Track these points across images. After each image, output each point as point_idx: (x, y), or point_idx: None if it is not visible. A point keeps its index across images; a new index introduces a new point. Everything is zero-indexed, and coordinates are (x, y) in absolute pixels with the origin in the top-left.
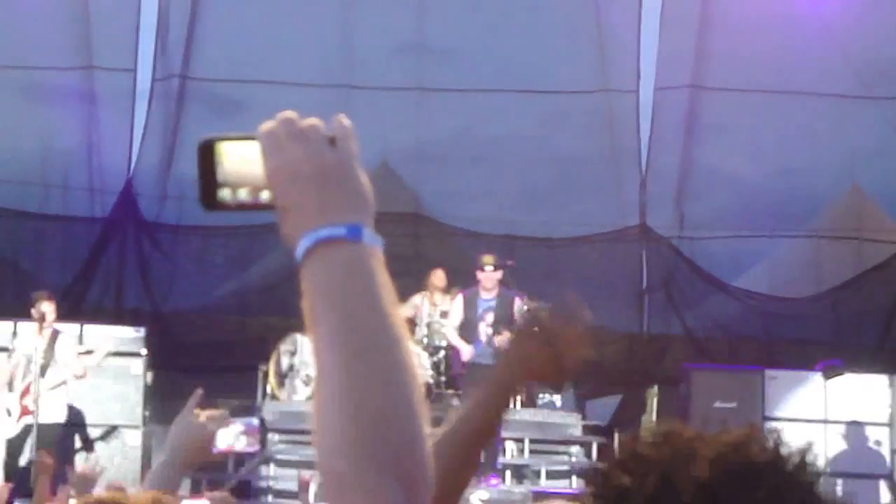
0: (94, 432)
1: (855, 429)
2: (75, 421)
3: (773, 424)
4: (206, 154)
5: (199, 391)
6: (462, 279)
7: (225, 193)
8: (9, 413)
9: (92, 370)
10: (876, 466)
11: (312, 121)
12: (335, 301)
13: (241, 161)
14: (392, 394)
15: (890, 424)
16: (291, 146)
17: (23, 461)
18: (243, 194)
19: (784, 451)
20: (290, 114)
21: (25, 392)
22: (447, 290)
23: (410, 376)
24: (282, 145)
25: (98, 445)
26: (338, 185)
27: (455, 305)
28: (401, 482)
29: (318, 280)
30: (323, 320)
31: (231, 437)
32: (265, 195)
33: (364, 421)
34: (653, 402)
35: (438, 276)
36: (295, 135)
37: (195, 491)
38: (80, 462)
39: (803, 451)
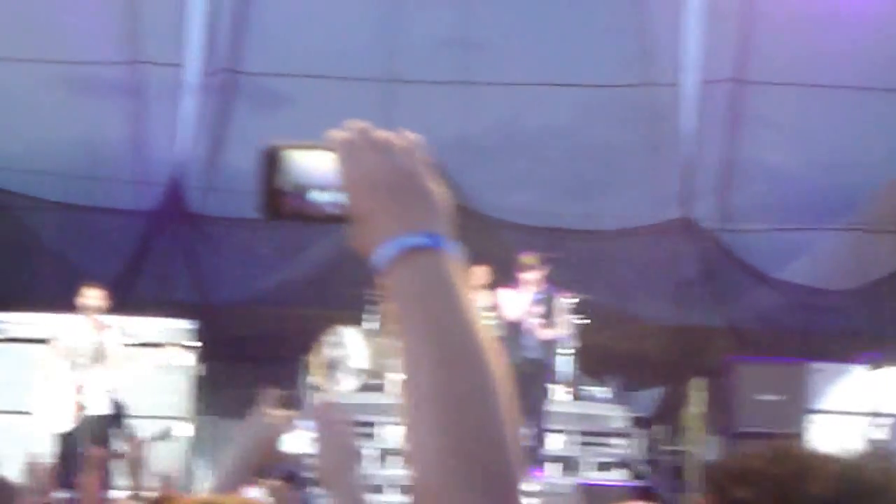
0: (143, 424)
1: None
2: (124, 413)
3: (816, 417)
4: (271, 161)
5: (270, 391)
6: (506, 271)
7: (287, 202)
8: (59, 407)
9: (142, 364)
10: None
11: (386, 132)
12: (420, 309)
13: (306, 170)
14: (482, 405)
15: None
16: (370, 155)
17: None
18: (307, 204)
19: None
20: (364, 124)
21: (76, 386)
22: (490, 286)
23: (499, 385)
24: (360, 154)
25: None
26: (415, 193)
27: (503, 300)
28: (489, 493)
29: (400, 288)
30: (408, 328)
31: (302, 443)
32: (330, 205)
33: (454, 432)
34: (696, 395)
35: (480, 273)
36: (372, 144)
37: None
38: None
39: None
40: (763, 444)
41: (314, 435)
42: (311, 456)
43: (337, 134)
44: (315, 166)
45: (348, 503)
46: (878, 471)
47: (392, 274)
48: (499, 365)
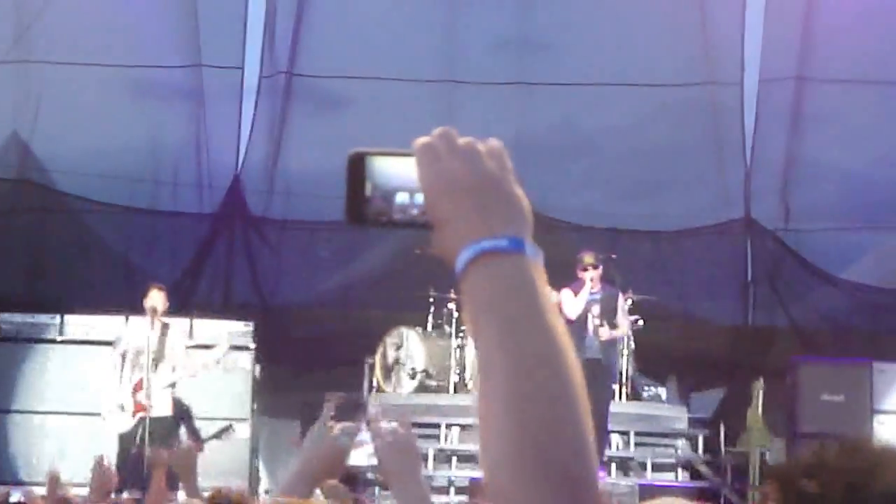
0: (202, 426)
1: None
2: (184, 414)
3: (881, 418)
4: (357, 167)
5: (332, 402)
6: (565, 272)
7: (372, 208)
8: (122, 408)
9: (208, 365)
10: None
11: (469, 138)
12: (499, 312)
13: (391, 176)
14: (558, 407)
15: None
16: (451, 159)
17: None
18: (393, 210)
19: None
20: (448, 129)
21: (138, 387)
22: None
23: (577, 389)
24: (441, 158)
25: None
26: (497, 198)
27: (565, 300)
28: (567, 498)
29: (481, 291)
30: (487, 331)
31: (365, 457)
32: (415, 211)
33: (530, 435)
34: (758, 395)
35: None
36: (454, 148)
37: None
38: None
39: None
40: (832, 440)
41: (374, 440)
42: (371, 460)
43: (420, 139)
44: (400, 172)
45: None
46: None
47: (471, 277)
48: (577, 369)
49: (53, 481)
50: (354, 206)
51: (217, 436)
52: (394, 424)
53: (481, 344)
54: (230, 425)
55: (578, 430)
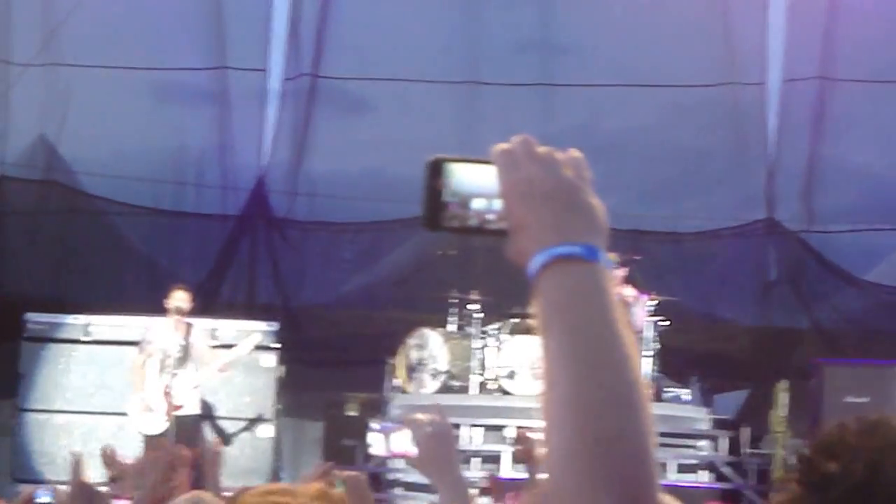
0: (226, 425)
1: None
2: (208, 413)
3: None
4: (435, 173)
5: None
6: None
7: (449, 214)
8: (150, 409)
9: (227, 365)
10: None
11: (548, 147)
12: (569, 316)
13: (470, 182)
14: (621, 414)
15: None
16: (529, 165)
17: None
18: (469, 216)
19: None
20: (527, 136)
21: (166, 387)
22: None
23: (641, 397)
24: (519, 163)
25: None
26: (573, 206)
27: None
28: (625, 501)
29: (552, 295)
30: (555, 334)
31: (406, 441)
32: (491, 216)
33: (591, 438)
34: (781, 397)
35: None
36: (532, 155)
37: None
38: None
39: None
40: (852, 418)
41: (412, 432)
42: (398, 457)
43: (500, 145)
44: (477, 179)
45: (455, 495)
46: None
47: (544, 281)
48: (642, 378)
49: (77, 465)
50: (432, 212)
51: (241, 431)
52: (431, 415)
53: (550, 347)
54: (260, 416)
55: (642, 436)
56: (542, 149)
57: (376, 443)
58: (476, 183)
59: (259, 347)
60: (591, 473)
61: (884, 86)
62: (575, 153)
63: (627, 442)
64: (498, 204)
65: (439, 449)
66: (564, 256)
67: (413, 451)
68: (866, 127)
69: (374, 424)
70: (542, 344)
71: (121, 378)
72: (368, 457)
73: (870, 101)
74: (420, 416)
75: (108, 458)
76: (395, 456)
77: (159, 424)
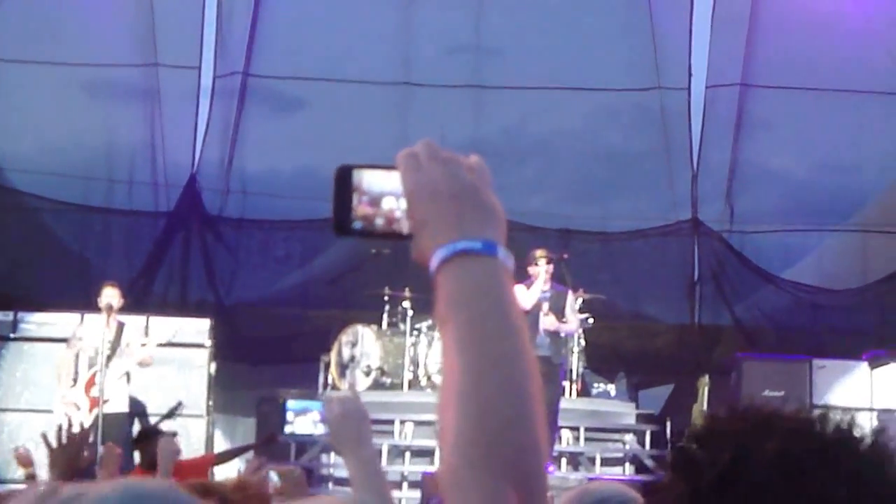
0: (156, 421)
1: None
2: (139, 410)
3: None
4: (344, 180)
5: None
6: (518, 272)
7: (358, 220)
8: (77, 407)
9: (158, 360)
10: None
11: (451, 151)
12: (467, 309)
13: (379, 188)
14: (516, 403)
15: None
16: (432, 166)
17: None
18: (379, 221)
19: (857, 431)
20: (430, 140)
21: (90, 383)
22: None
23: (534, 387)
24: (423, 165)
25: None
26: (474, 204)
27: (518, 294)
28: (517, 490)
29: (451, 288)
30: (454, 326)
31: (310, 424)
32: (400, 220)
33: (487, 425)
34: (704, 391)
35: None
36: (436, 157)
37: None
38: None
39: (877, 433)
40: (725, 406)
41: (324, 410)
42: (322, 434)
43: (404, 150)
44: (385, 185)
45: (366, 473)
46: (836, 429)
47: (444, 276)
48: (536, 369)
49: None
50: (341, 218)
51: (169, 415)
52: (343, 393)
53: (449, 339)
54: (180, 402)
55: (534, 426)
56: (444, 152)
57: (292, 422)
58: (383, 188)
59: (191, 345)
60: (487, 461)
61: (802, 92)
62: (476, 159)
63: (522, 431)
64: (404, 206)
65: (350, 426)
66: (464, 251)
67: (322, 429)
68: (785, 132)
69: (290, 403)
70: (441, 336)
71: (50, 375)
72: (301, 452)
73: (789, 108)
74: (332, 394)
75: (23, 459)
76: (306, 434)
77: (84, 421)
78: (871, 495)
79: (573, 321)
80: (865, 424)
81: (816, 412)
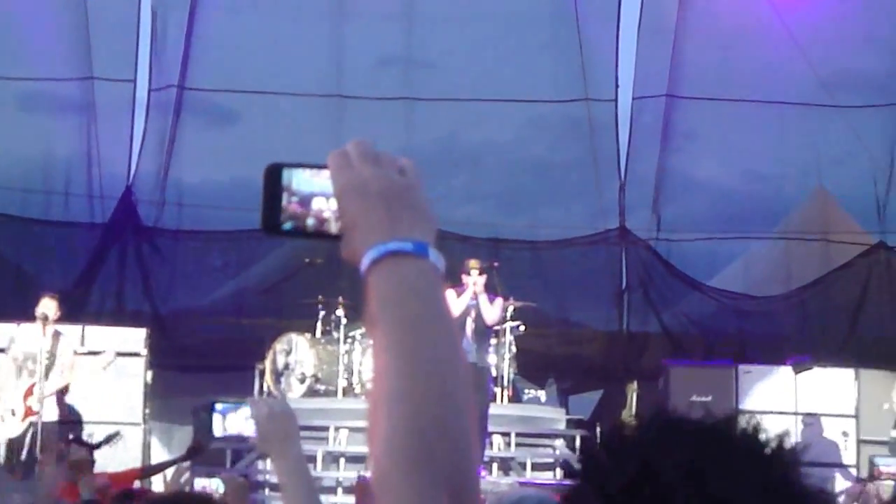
0: (94, 430)
1: (822, 420)
2: (76, 419)
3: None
4: (273, 179)
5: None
6: (451, 280)
7: (288, 219)
8: (13, 413)
9: (96, 372)
10: (840, 456)
11: (384, 151)
12: (398, 311)
13: (309, 188)
14: (446, 406)
15: (855, 416)
16: (363, 165)
17: (23, 458)
18: (309, 221)
19: (762, 435)
20: (362, 140)
21: (29, 392)
22: None
23: (464, 390)
24: (353, 164)
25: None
26: (405, 204)
27: (448, 299)
28: (449, 493)
29: (382, 289)
30: (384, 328)
31: (241, 422)
32: (330, 220)
33: (419, 428)
34: (632, 397)
35: None
36: (367, 156)
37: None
38: None
39: (781, 437)
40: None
41: (252, 413)
42: (235, 437)
43: (335, 150)
44: (315, 182)
45: (293, 474)
46: (741, 434)
47: (374, 277)
48: (466, 372)
49: None
50: (270, 217)
51: (105, 442)
52: (270, 397)
53: (379, 341)
54: (118, 432)
55: (465, 429)
56: (375, 152)
57: (216, 424)
58: (314, 187)
59: (128, 354)
60: (418, 466)
61: (727, 103)
62: (407, 160)
63: (453, 434)
64: (334, 206)
65: (277, 427)
66: (394, 252)
67: (250, 430)
68: (711, 142)
69: (217, 405)
70: (372, 338)
71: None
72: (237, 458)
73: (712, 118)
74: (260, 397)
75: None
76: (232, 436)
77: (16, 429)
78: (776, 500)
79: (495, 311)
80: (790, 428)
81: (723, 417)
